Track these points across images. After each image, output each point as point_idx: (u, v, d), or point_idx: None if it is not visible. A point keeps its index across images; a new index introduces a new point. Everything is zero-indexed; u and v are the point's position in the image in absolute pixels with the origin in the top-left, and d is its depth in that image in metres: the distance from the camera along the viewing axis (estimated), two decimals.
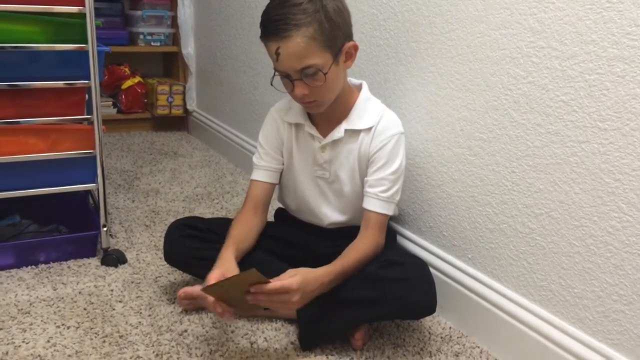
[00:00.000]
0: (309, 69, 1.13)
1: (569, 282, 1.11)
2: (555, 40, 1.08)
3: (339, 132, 1.27)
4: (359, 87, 1.32)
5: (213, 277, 1.09)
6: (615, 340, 1.04)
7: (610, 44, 0.99)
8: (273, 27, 1.11)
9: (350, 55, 1.21)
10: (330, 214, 1.35)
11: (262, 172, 1.35)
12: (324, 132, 1.29)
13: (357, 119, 1.27)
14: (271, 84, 1.20)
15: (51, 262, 1.52)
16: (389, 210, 1.28)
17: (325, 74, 1.14)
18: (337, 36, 1.15)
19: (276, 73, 1.18)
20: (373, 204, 1.25)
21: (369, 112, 1.28)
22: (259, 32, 1.16)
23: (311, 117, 1.30)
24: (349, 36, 1.20)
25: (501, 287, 1.25)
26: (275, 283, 1.06)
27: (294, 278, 1.08)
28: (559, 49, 1.07)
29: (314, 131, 1.29)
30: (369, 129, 1.27)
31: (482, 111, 1.25)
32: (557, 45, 1.08)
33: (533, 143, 1.14)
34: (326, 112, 1.26)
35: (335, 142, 1.29)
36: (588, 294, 1.08)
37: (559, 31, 1.07)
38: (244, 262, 1.22)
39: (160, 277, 1.49)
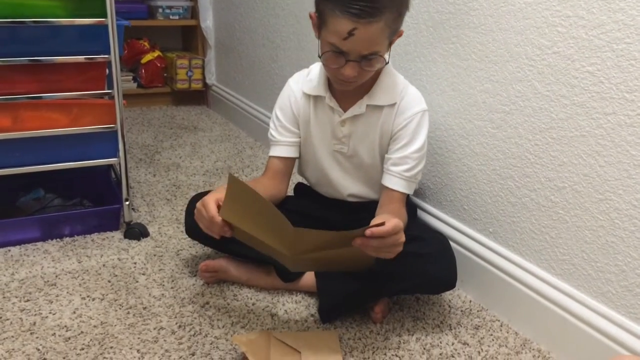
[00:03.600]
0: (373, 54, 1.10)
1: (592, 256, 1.10)
2: (582, 8, 1.05)
3: (360, 108, 1.25)
4: None
5: (210, 199, 1.08)
6: (639, 314, 1.03)
7: (639, 12, 0.96)
8: (358, 7, 1.02)
9: (394, 41, 1.18)
10: (350, 185, 1.34)
11: (281, 148, 1.33)
12: (345, 106, 1.27)
13: (379, 94, 1.25)
14: (319, 56, 1.15)
15: (75, 236, 1.54)
16: (411, 190, 1.27)
17: (383, 58, 1.12)
18: (399, 26, 1.13)
19: (325, 49, 1.12)
20: (395, 183, 1.24)
21: (391, 87, 1.25)
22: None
23: (332, 90, 1.28)
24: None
25: (522, 260, 1.25)
26: (389, 223, 0.97)
27: (395, 219, 1.00)
28: (585, 17, 1.04)
29: (334, 104, 1.27)
30: (392, 105, 1.24)
31: (505, 83, 1.23)
32: (584, 14, 1.05)
33: (557, 115, 1.12)
34: None
35: (356, 117, 1.27)
36: (611, 268, 1.06)
37: None
38: None
39: (182, 250, 1.51)
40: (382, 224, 0.97)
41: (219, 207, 1.08)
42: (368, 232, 0.96)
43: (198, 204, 1.11)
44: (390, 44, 1.16)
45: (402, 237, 1.01)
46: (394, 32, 1.13)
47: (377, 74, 1.25)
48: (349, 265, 1.13)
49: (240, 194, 1.04)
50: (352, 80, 1.15)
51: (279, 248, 1.06)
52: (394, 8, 1.07)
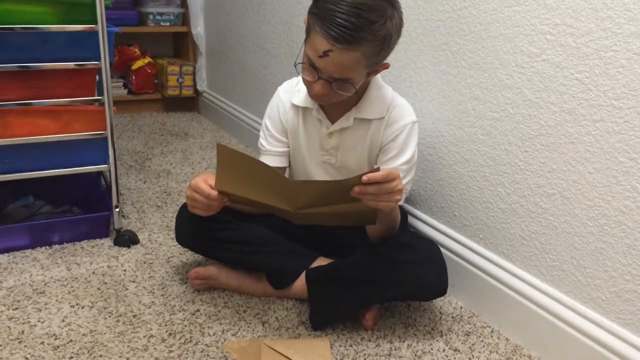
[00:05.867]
0: (345, 80, 1.10)
1: (582, 262, 1.10)
2: (570, 16, 1.06)
3: (347, 121, 1.24)
4: None
5: (198, 181, 1.10)
6: (628, 320, 1.03)
7: (626, 20, 0.97)
8: (338, 31, 1.02)
9: (378, 71, 1.18)
10: None
11: (270, 158, 1.33)
12: (333, 118, 1.26)
13: (367, 107, 1.24)
14: (295, 65, 1.16)
15: (65, 243, 1.53)
16: (401, 200, 1.27)
17: (354, 87, 1.12)
18: (381, 60, 1.14)
19: (303, 60, 1.13)
20: None
21: (379, 101, 1.25)
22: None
23: None
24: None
25: (513, 267, 1.25)
26: (384, 170, 0.99)
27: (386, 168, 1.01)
28: (574, 25, 1.05)
29: (321, 116, 1.26)
30: (380, 118, 1.24)
31: (495, 90, 1.23)
32: (572, 22, 1.06)
33: (546, 122, 1.13)
34: None
35: (343, 130, 1.26)
36: (600, 274, 1.07)
37: (574, 7, 1.05)
38: (244, 233, 1.29)
39: (172, 257, 1.50)
40: (377, 169, 0.99)
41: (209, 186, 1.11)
42: (364, 177, 0.97)
43: (188, 192, 1.13)
44: (372, 73, 1.16)
45: (400, 185, 1.02)
46: (374, 65, 1.12)
47: (365, 87, 1.24)
48: (351, 219, 1.13)
49: (232, 161, 1.05)
50: (321, 97, 1.14)
51: (280, 206, 1.06)
52: (375, 43, 1.06)
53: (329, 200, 1.04)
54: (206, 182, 1.11)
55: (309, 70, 1.12)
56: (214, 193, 1.10)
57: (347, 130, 1.26)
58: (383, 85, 1.27)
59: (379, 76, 1.26)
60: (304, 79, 1.16)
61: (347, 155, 1.29)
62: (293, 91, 1.30)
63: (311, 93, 1.16)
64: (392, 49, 1.13)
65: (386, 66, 1.18)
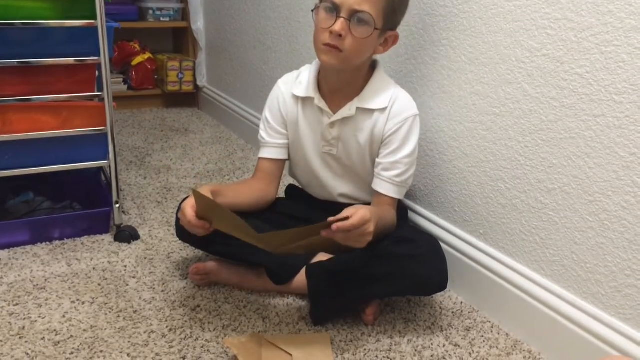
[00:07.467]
0: (365, 15, 1.12)
1: (582, 257, 1.10)
2: (570, 11, 1.06)
3: (349, 110, 1.25)
4: (374, 64, 1.30)
5: (186, 205, 1.09)
6: (628, 315, 1.03)
7: (627, 14, 0.96)
8: None
9: (388, 43, 1.22)
10: (340, 185, 1.34)
11: (270, 150, 1.33)
12: (334, 107, 1.26)
13: (370, 97, 1.25)
14: (312, 10, 1.20)
15: (65, 239, 1.53)
16: (401, 195, 1.27)
17: (373, 30, 1.14)
18: (396, 16, 1.19)
19: (321, 3, 1.16)
20: (386, 188, 1.24)
21: (382, 91, 1.25)
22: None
23: (321, 92, 1.28)
24: (397, 26, 1.23)
25: (513, 262, 1.25)
26: (355, 216, 1.00)
27: (362, 210, 1.02)
28: (574, 20, 1.05)
29: (323, 105, 1.26)
30: (384, 109, 1.24)
31: (495, 85, 1.23)
32: (573, 17, 1.05)
33: (547, 117, 1.13)
34: (338, 85, 1.24)
35: (345, 120, 1.26)
36: (601, 269, 1.07)
37: (574, 2, 1.05)
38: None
39: (172, 253, 1.50)
40: (347, 218, 1.00)
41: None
42: (334, 227, 1.00)
43: (180, 213, 1.13)
44: (384, 33, 1.18)
45: (370, 227, 1.03)
46: (388, 17, 1.16)
47: (369, 76, 1.25)
48: (331, 249, 1.15)
49: (207, 208, 1.08)
50: (337, 44, 1.14)
51: (259, 245, 1.10)
52: None
53: (302, 238, 1.07)
54: (193, 208, 1.09)
55: (328, 13, 1.14)
56: (194, 222, 1.08)
57: (349, 120, 1.26)
58: (386, 77, 1.29)
59: (382, 68, 1.27)
60: (318, 33, 1.17)
61: (349, 147, 1.29)
62: (294, 83, 1.31)
63: (325, 42, 1.15)
64: (404, 14, 1.21)
65: (396, 37, 1.22)
